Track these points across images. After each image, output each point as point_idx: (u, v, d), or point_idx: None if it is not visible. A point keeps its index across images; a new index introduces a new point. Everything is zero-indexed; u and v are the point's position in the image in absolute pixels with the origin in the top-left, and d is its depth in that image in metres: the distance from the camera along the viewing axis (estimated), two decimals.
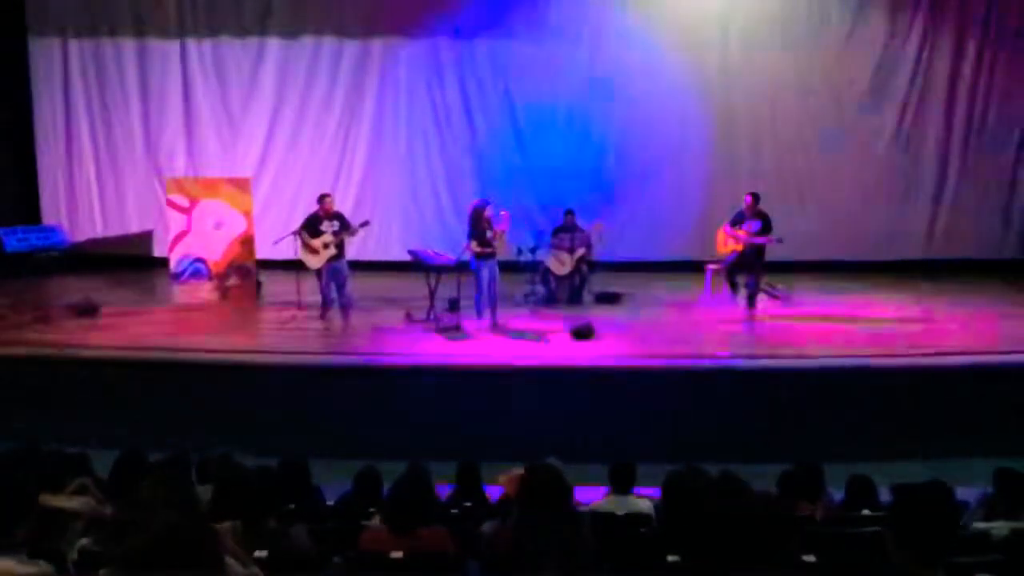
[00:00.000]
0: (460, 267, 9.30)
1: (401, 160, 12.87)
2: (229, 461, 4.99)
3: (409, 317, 9.60)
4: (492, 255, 9.15)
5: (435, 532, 3.75)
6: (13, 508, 2.74)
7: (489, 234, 9.04)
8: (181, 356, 8.28)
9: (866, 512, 4.80)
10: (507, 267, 9.61)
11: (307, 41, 12.68)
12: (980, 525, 4.23)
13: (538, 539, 3.29)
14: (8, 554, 2.62)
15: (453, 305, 9.54)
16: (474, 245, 9.08)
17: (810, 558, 3.68)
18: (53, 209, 13.30)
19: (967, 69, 12.25)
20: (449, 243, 10.63)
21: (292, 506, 4.64)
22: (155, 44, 12.86)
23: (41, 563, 2.62)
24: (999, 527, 4.09)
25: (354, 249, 9.81)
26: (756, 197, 9.56)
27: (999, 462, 4.81)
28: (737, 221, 9.62)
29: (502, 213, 9.13)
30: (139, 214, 13.23)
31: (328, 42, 12.67)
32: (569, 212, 10.79)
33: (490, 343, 8.73)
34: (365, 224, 9.61)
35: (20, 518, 2.73)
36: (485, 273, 9.15)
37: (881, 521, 4.39)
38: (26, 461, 4.45)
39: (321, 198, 9.59)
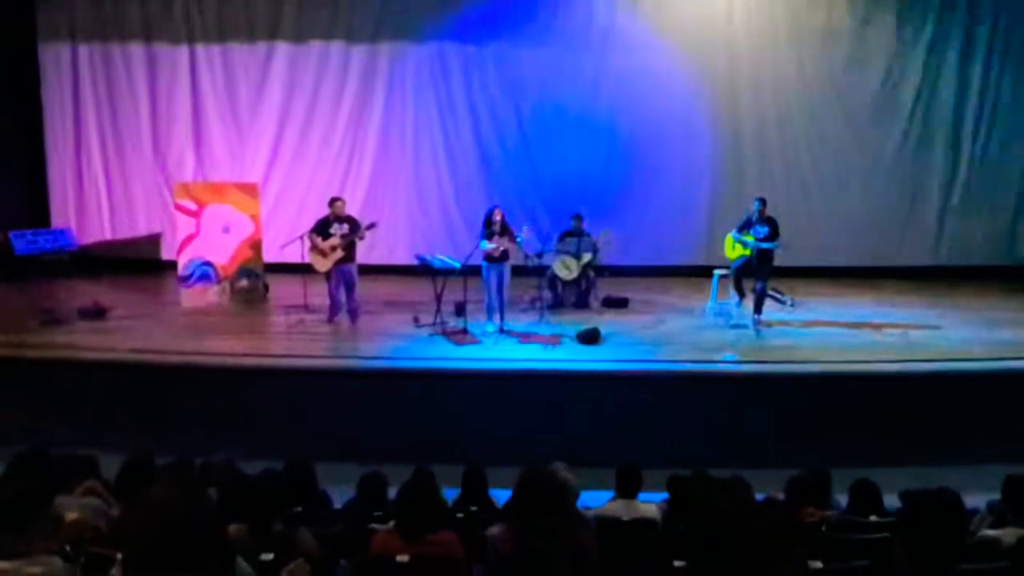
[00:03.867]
0: (467, 271, 9.31)
1: (408, 164, 12.90)
2: (232, 465, 5.01)
3: (416, 321, 9.62)
4: (500, 259, 9.19)
5: (445, 537, 3.76)
6: (26, 511, 2.75)
7: (495, 239, 9.09)
8: (188, 359, 8.30)
9: (873, 518, 4.78)
10: (514, 272, 9.60)
11: (315, 46, 12.73)
12: (989, 532, 4.21)
13: (543, 543, 3.29)
14: (18, 556, 2.63)
15: (460, 309, 9.56)
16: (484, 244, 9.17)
17: (817, 564, 3.67)
18: (62, 212, 13.38)
19: (976, 75, 12.24)
20: (456, 247, 10.66)
21: (298, 509, 4.65)
22: (164, 49, 12.94)
23: (51, 560, 2.62)
24: (1008, 534, 4.07)
25: (361, 253, 9.84)
26: (764, 202, 9.55)
27: (1008, 469, 4.79)
28: (745, 227, 9.60)
29: (524, 230, 9.28)
30: (147, 218, 13.30)
31: (336, 47, 12.71)
32: (576, 217, 10.79)
33: (496, 347, 8.73)
34: (372, 226, 9.64)
35: (33, 521, 2.74)
36: (493, 277, 9.20)
37: (889, 527, 4.38)
38: (36, 464, 4.46)
39: (332, 201, 9.63)
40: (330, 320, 9.67)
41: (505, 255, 9.25)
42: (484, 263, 9.24)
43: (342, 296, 9.63)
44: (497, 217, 9.19)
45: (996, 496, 4.73)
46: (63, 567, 2.67)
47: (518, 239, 9.24)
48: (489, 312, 9.34)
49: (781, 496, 4.99)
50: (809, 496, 4.98)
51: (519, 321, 9.65)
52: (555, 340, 8.89)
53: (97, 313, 9.83)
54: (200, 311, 10.46)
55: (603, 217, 11.40)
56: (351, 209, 10.27)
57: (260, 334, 9.60)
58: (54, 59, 13.14)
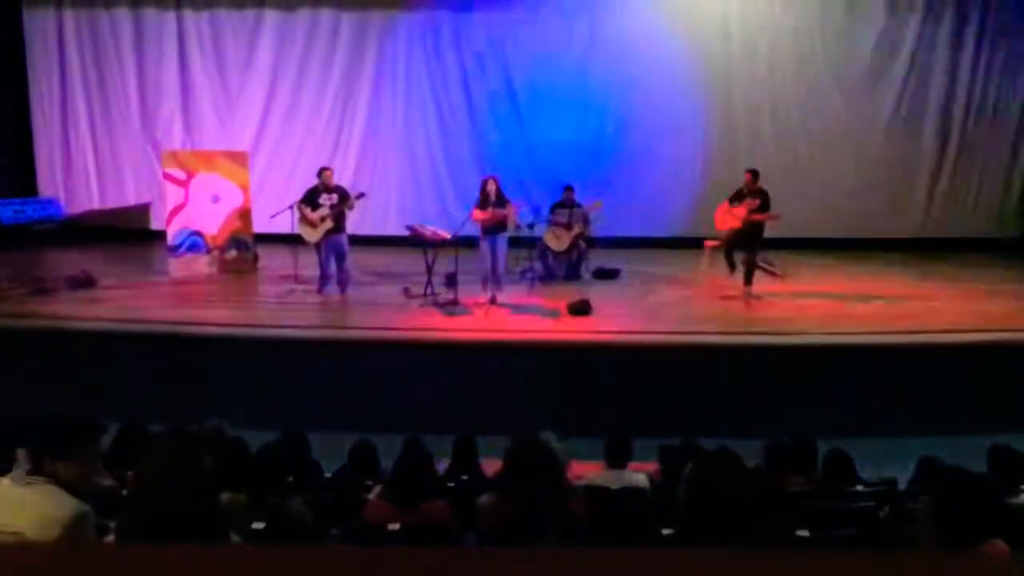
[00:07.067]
0: (457, 242, 9.28)
1: (399, 134, 12.80)
2: (223, 434, 5.01)
3: (407, 292, 9.61)
4: (493, 230, 9.14)
5: (436, 506, 3.79)
6: (77, 435, 2.77)
7: (488, 208, 9.05)
8: (178, 329, 8.28)
9: (860, 488, 4.83)
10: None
11: (304, 13, 12.57)
12: None
13: (532, 512, 3.31)
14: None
15: (450, 280, 9.54)
16: (476, 212, 9.12)
17: (804, 533, 3.71)
18: (50, 181, 13.24)
19: (968, 47, 12.19)
20: (447, 217, 10.62)
21: (290, 479, 4.66)
22: (151, 16, 12.75)
23: (79, 503, 2.61)
24: None
25: (351, 224, 9.79)
26: (755, 174, 9.52)
27: (994, 439, 4.84)
28: (736, 198, 9.59)
29: (521, 204, 9.29)
30: (136, 187, 13.18)
31: (326, 15, 12.56)
32: (568, 188, 10.75)
33: (487, 318, 8.73)
34: (361, 196, 9.58)
35: (82, 447, 2.76)
36: (485, 247, 9.16)
37: (876, 497, 4.43)
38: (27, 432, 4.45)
39: (320, 171, 9.56)
40: (320, 291, 9.65)
41: (500, 226, 9.20)
42: (480, 233, 9.20)
43: (332, 267, 9.59)
44: (491, 187, 9.11)
45: (982, 466, 4.78)
46: (88, 512, 2.64)
47: (520, 214, 9.26)
48: (484, 282, 9.30)
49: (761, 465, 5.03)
50: (792, 464, 5.01)
51: (510, 292, 9.64)
52: (546, 311, 8.90)
53: (86, 283, 9.78)
54: (190, 281, 10.42)
55: (594, 188, 11.37)
56: (342, 178, 10.21)
57: (250, 304, 9.57)
58: (39, 26, 12.93)
